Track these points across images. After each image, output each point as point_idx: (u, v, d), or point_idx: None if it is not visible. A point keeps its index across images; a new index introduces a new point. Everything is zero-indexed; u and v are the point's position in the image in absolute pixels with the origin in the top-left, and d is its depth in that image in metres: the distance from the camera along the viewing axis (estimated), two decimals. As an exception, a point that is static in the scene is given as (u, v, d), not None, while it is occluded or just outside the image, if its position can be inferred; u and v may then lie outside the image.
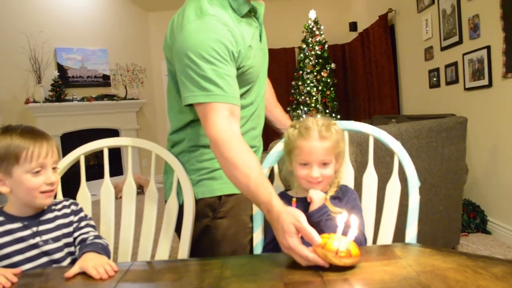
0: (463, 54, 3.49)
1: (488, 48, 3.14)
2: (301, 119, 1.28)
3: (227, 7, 1.23)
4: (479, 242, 3.07)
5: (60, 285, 0.96)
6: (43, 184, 1.12)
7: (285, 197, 1.27)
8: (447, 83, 3.85)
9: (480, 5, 3.23)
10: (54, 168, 1.16)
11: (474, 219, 3.30)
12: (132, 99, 6.68)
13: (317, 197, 1.15)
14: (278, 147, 1.38)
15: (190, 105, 1.20)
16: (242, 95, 1.27)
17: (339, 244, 0.88)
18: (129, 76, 6.83)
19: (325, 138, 1.19)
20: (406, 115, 4.52)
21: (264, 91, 1.45)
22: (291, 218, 0.97)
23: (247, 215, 1.35)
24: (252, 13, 1.32)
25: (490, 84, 3.16)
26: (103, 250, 1.11)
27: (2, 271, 0.99)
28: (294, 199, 1.24)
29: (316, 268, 0.90)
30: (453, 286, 0.76)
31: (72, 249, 1.18)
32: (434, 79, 4.11)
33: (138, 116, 6.87)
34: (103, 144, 1.40)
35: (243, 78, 1.26)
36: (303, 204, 1.20)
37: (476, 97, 3.39)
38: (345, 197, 1.24)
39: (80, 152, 1.40)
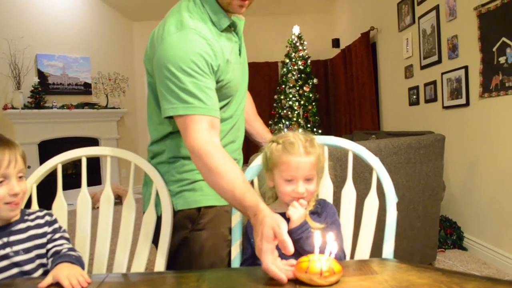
0: (442, 73, 3.57)
1: (466, 68, 3.22)
2: (281, 133, 1.28)
3: (207, 21, 1.25)
4: (456, 258, 3.11)
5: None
6: (6, 195, 1.08)
7: None
8: (426, 101, 3.93)
9: (458, 26, 3.32)
10: (21, 177, 1.12)
11: (451, 235, 3.35)
12: (113, 108, 6.63)
13: (296, 215, 1.13)
14: (258, 160, 1.38)
15: (170, 117, 1.20)
16: (221, 109, 1.28)
17: (320, 265, 0.88)
18: (111, 85, 6.79)
19: (310, 154, 1.18)
20: (386, 131, 4.58)
21: (243, 105, 1.46)
22: (273, 222, 0.97)
23: (226, 227, 1.34)
24: (232, 28, 1.33)
25: (467, 103, 3.24)
26: (77, 261, 1.09)
27: None
28: None
29: (294, 282, 0.89)
30: (428, 302, 0.76)
31: (44, 260, 1.15)
32: (414, 96, 4.19)
33: (119, 126, 6.81)
34: (82, 153, 1.38)
35: (222, 92, 1.27)
36: (284, 218, 1.20)
37: (454, 116, 3.47)
38: (324, 212, 1.24)
39: (57, 161, 1.38)
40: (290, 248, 0.93)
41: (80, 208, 1.35)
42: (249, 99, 1.67)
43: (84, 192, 1.36)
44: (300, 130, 1.28)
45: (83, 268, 1.08)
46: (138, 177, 1.32)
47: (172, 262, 1.30)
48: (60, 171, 1.37)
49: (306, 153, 1.18)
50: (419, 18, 3.96)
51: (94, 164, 6.18)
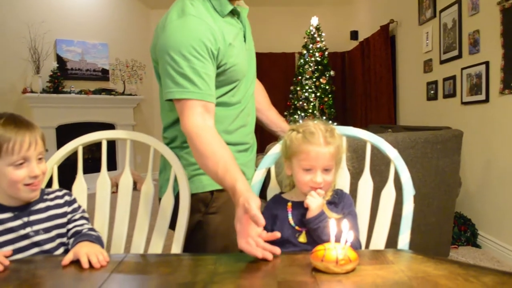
0: (462, 69, 3.52)
1: (486, 63, 3.17)
2: (299, 122, 1.28)
3: (209, 8, 1.29)
4: (469, 255, 3.09)
5: (51, 273, 0.96)
6: (27, 177, 1.09)
7: (280, 200, 1.27)
8: (445, 96, 3.88)
9: (481, 21, 3.27)
10: (40, 159, 1.13)
11: (465, 232, 3.32)
12: (130, 94, 6.67)
13: (314, 205, 1.14)
14: (275, 149, 1.39)
15: (171, 101, 1.26)
16: (228, 92, 1.34)
17: (336, 253, 0.88)
18: (128, 71, 6.83)
19: (329, 144, 1.18)
20: (402, 125, 4.55)
21: (252, 91, 1.48)
22: (244, 200, 1.02)
23: (234, 208, 1.36)
24: (235, 15, 1.37)
25: (487, 99, 3.19)
26: (97, 240, 1.11)
27: None
28: (289, 204, 1.24)
29: (309, 269, 0.90)
30: (444, 293, 0.77)
31: (64, 240, 1.18)
32: (432, 91, 4.15)
33: (135, 112, 6.86)
34: (102, 136, 1.41)
35: (227, 76, 1.31)
36: (299, 208, 1.20)
37: (473, 112, 3.42)
38: (341, 202, 1.23)
39: (78, 143, 1.40)
40: (261, 221, 0.99)
41: (99, 190, 1.37)
42: (262, 89, 1.70)
43: (104, 174, 1.38)
44: (316, 120, 1.26)
45: (102, 247, 1.11)
46: (154, 164, 1.34)
47: (186, 245, 1.32)
48: (81, 153, 1.40)
49: (326, 143, 1.17)
50: (441, 11, 3.90)
51: (110, 149, 6.25)
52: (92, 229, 1.19)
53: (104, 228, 1.34)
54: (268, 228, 1.23)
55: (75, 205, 1.24)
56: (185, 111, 1.21)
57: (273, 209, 1.25)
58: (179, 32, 1.21)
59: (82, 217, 1.22)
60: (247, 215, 1.01)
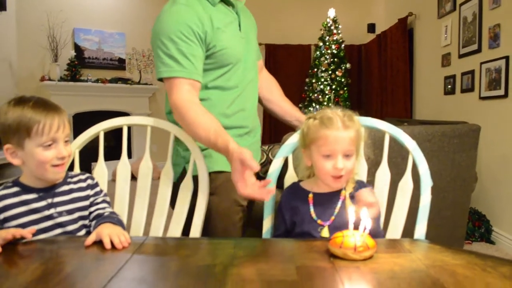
0: (481, 63, 3.48)
1: (506, 58, 3.13)
2: (316, 111, 1.28)
3: None
4: (483, 251, 3.07)
5: (74, 253, 0.98)
6: (54, 158, 1.13)
7: (299, 189, 1.25)
8: (462, 91, 3.84)
9: (502, 14, 3.22)
10: (66, 141, 1.17)
11: (479, 228, 3.30)
12: (146, 84, 6.72)
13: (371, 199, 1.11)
14: (293, 139, 1.40)
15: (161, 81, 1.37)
16: (223, 76, 1.43)
17: (355, 240, 0.89)
18: (145, 61, 6.86)
19: (348, 127, 1.15)
20: (418, 119, 4.51)
21: (252, 77, 1.53)
22: (239, 154, 1.12)
23: (235, 192, 1.39)
24: (229, 5, 1.47)
25: (506, 95, 3.15)
26: (119, 222, 1.14)
27: (16, 230, 1.02)
28: (310, 195, 1.21)
29: (327, 255, 0.92)
30: (462, 281, 0.77)
31: (86, 222, 1.21)
32: (449, 86, 4.10)
33: (150, 102, 6.90)
34: (124, 122, 1.43)
35: (218, 58, 1.39)
36: (321, 200, 1.19)
37: (491, 107, 3.38)
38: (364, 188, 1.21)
39: (100, 128, 1.43)
40: (256, 166, 1.08)
41: (120, 176, 1.40)
42: (274, 81, 1.77)
43: (125, 159, 1.41)
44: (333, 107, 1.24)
45: (124, 229, 1.14)
46: (164, 153, 1.36)
47: (187, 226, 1.35)
48: (102, 138, 1.42)
49: (344, 127, 1.15)
50: (461, 5, 3.84)
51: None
52: (113, 213, 1.22)
53: (123, 214, 1.37)
54: (287, 218, 1.23)
55: (97, 189, 1.27)
56: (173, 88, 1.32)
57: (292, 199, 1.24)
58: (168, 19, 1.34)
59: (104, 201, 1.25)
60: (244, 166, 1.10)
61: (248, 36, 1.53)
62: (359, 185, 1.24)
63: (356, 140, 1.17)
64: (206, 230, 1.35)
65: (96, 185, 1.28)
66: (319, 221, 1.17)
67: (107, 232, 1.02)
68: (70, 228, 1.17)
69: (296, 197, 1.24)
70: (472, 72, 3.65)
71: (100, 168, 1.41)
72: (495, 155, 3.34)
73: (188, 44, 1.31)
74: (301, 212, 1.20)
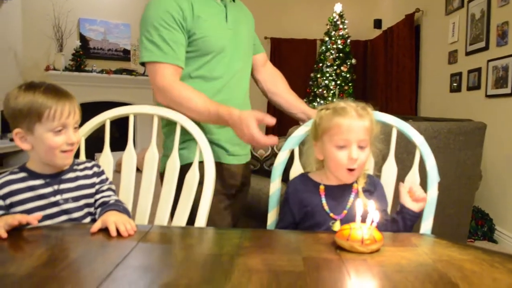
0: (488, 61, 3.45)
1: (514, 56, 3.11)
2: (321, 105, 1.27)
3: None
4: (485, 250, 3.07)
5: (79, 240, 0.98)
6: (64, 143, 1.13)
7: (309, 180, 1.22)
8: (468, 89, 3.82)
9: (510, 12, 3.19)
10: (75, 128, 1.17)
11: (482, 226, 3.29)
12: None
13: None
14: (299, 131, 1.39)
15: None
16: (206, 65, 1.45)
17: (362, 232, 0.89)
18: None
19: (363, 117, 1.12)
20: (423, 116, 4.49)
21: (239, 68, 1.54)
22: (251, 113, 1.23)
23: (220, 181, 1.45)
24: None
25: (512, 93, 3.13)
26: (125, 211, 1.14)
27: (22, 216, 1.02)
28: (322, 187, 1.18)
29: (334, 247, 0.91)
30: (469, 276, 0.77)
31: (91, 209, 1.21)
32: (455, 83, 4.08)
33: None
34: (130, 110, 1.43)
35: (199, 46, 1.43)
36: (333, 193, 1.16)
37: (497, 105, 3.37)
38: (376, 190, 1.20)
39: (106, 117, 1.43)
40: (271, 121, 1.22)
41: (125, 164, 1.40)
42: (278, 74, 1.79)
43: (130, 148, 1.41)
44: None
45: (129, 217, 1.13)
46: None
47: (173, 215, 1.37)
48: (108, 126, 1.42)
49: (358, 115, 1.12)
50: (469, 1, 3.81)
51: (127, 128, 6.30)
52: (118, 201, 1.22)
53: (129, 203, 1.36)
54: (295, 211, 1.21)
55: (103, 177, 1.27)
56: (155, 72, 1.38)
57: (301, 190, 1.21)
58: (152, 7, 1.41)
59: (109, 189, 1.25)
60: (257, 119, 1.23)
61: (238, 28, 1.55)
62: (371, 179, 1.22)
63: (370, 130, 1.14)
64: (192, 219, 1.33)
65: (102, 173, 1.28)
66: (331, 215, 1.14)
67: (112, 219, 1.02)
68: (75, 215, 1.17)
69: (305, 188, 1.21)
70: (479, 70, 3.62)
71: (106, 157, 1.41)
72: (500, 154, 3.32)
73: (169, 30, 1.37)
74: (312, 204, 1.17)
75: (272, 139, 1.23)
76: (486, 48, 3.52)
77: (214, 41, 1.45)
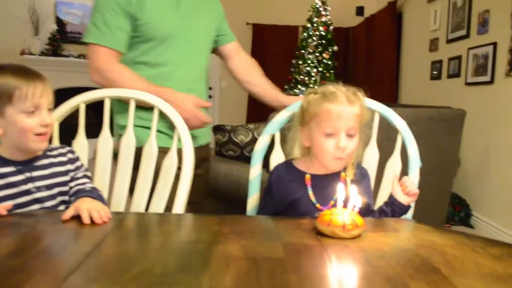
0: (469, 48, 3.47)
1: (494, 44, 3.13)
2: (303, 93, 1.22)
3: None
4: (462, 235, 3.12)
5: (51, 228, 0.94)
6: (38, 125, 1.07)
7: (293, 169, 1.16)
8: (449, 76, 3.84)
9: (491, 0, 3.20)
10: (49, 109, 1.12)
11: (459, 212, 3.35)
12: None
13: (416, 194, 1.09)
14: (281, 115, 1.36)
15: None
16: (151, 51, 1.46)
17: (343, 218, 0.87)
18: (128, 38, 6.71)
19: (353, 103, 1.06)
20: (403, 104, 4.51)
21: (190, 57, 1.53)
22: (190, 96, 1.41)
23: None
24: None
25: (492, 81, 3.16)
26: (99, 198, 1.10)
27: None
28: (308, 176, 1.13)
29: (315, 233, 0.89)
30: (452, 261, 0.76)
31: (66, 198, 1.16)
32: (436, 71, 4.10)
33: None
34: (105, 93, 1.37)
35: (143, 32, 1.43)
36: (319, 182, 1.11)
37: (476, 93, 3.40)
38: (363, 180, 1.16)
39: (80, 100, 1.37)
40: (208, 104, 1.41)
41: (101, 149, 1.35)
42: (252, 63, 1.75)
43: (106, 133, 1.36)
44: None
45: (104, 204, 1.09)
46: None
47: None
48: (83, 110, 1.37)
49: (349, 101, 1.05)
50: (451, -11, 3.83)
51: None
52: (94, 188, 1.17)
53: (104, 189, 1.32)
54: (277, 199, 1.15)
55: (78, 163, 1.22)
56: (93, 54, 1.42)
57: (285, 179, 1.15)
58: None
59: (84, 176, 1.20)
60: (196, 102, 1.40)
61: (193, 17, 1.53)
62: (360, 170, 1.17)
63: (361, 117, 1.08)
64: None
65: (77, 159, 1.23)
66: (318, 205, 1.10)
67: (86, 206, 0.98)
68: (48, 204, 1.12)
69: (290, 177, 1.15)
70: (459, 58, 3.65)
71: (80, 143, 1.36)
72: (477, 141, 3.36)
73: (111, 14, 1.39)
74: (297, 193, 1.12)
75: (208, 117, 1.39)
76: (467, 36, 3.53)
77: (158, 27, 1.44)
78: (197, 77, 1.58)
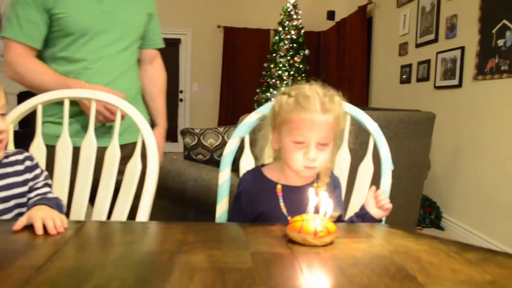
0: (437, 53, 3.52)
1: (462, 48, 3.18)
2: (271, 101, 1.13)
3: None
4: (432, 237, 3.14)
5: (2, 238, 0.87)
6: None
7: (263, 178, 1.09)
8: (418, 80, 3.89)
9: (459, 5, 3.26)
10: (2, 115, 1.04)
11: (430, 214, 3.38)
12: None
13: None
14: (250, 117, 1.32)
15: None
16: (70, 47, 1.42)
17: (315, 224, 0.82)
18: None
19: (328, 111, 0.97)
20: (373, 107, 4.55)
21: (110, 52, 1.47)
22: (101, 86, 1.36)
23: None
24: None
25: (460, 85, 3.21)
26: (57, 206, 1.02)
27: None
28: (279, 187, 1.05)
29: (285, 240, 0.85)
30: (427, 268, 0.73)
31: (24, 210, 1.07)
32: (405, 75, 4.15)
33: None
34: (65, 94, 1.29)
35: (61, 26, 1.39)
36: (290, 194, 1.04)
37: (445, 96, 3.45)
38: (336, 190, 1.10)
39: (38, 101, 1.29)
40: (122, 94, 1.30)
41: (59, 152, 1.27)
42: (159, 79, 1.72)
43: (65, 136, 1.28)
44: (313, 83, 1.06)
45: (62, 213, 1.02)
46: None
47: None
48: (40, 112, 1.28)
49: (323, 110, 0.96)
50: (419, -6, 3.88)
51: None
52: (57, 198, 1.09)
53: (64, 195, 1.24)
54: (247, 212, 1.08)
55: (37, 171, 1.13)
56: (6, 47, 1.40)
57: (255, 189, 1.08)
58: None
59: (45, 184, 1.12)
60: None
61: (118, 12, 1.48)
62: (333, 180, 1.11)
63: (335, 126, 1.00)
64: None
65: (36, 166, 1.14)
66: (290, 218, 0.96)
67: (40, 215, 0.90)
68: (4, 217, 1.04)
69: (259, 186, 1.08)
70: (428, 62, 3.70)
71: (38, 146, 1.27)
72: (446, 144, 3.41)
73: (24, 9, 1.36)
74: (267, 206, 1.05)
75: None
76: (435, 40, 3.59)
77: (77, 21, 1.40)
78: (121, 73, 1.51)
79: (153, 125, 1.63)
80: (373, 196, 1.07)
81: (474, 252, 0.82)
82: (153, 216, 1.23)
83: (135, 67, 1.60)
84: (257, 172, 1.12)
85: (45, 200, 1.02)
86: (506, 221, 2.73)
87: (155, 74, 1.71)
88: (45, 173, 1.16)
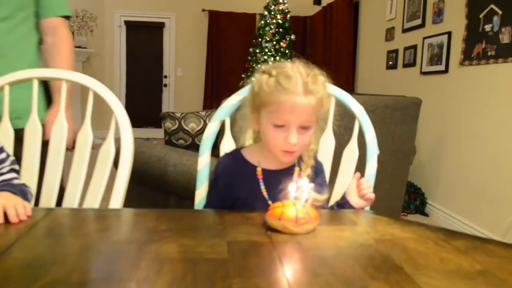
0: (424, 38, 3.48)
1: (449, 34, 3.14)
2: (275, 64, 1.00)
3: None
4: (417, 223, 3.14)
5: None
6: None
7: (242, 161, 1.03)
8: (404, 66, 3.86)
9: (446, -11, 3.21)
10: None
11: (414, 200, 3.37)
12: (79, 47, 6.25)
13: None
14: (231, 100, 1.25)
15: None
16: None
17: (296, 210, 0.77)
18: (78, 22, 6.38)
19: (310, 93, 0.91)
20: (359, 93, 4.51)
21: None
22: None
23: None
24: None
25: (446, 70, 3.18)
26: (21, 193, 0.95)
27: None
28: (259, 169, 1.00)
29: (264, 228, 0.80)
30: (415, 257, 0.68)
31: None
32: (392, 60, 4.11)
33: (84, 67, 6.45)
34: (33, 74, 1.21)
35: None
36: (270, 177, 0.98)
37: (431, 82, 3.42)
38: (319, 174, 1.06)
39: (4, 81, 1.21)
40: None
41: (28, 135, 1.19)
42: (61, 49, 1.48)
43: (34, 117, 1.20)
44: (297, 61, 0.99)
45: (27, 200, 0.95)
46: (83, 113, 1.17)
47: None
48: (8, 93, 1.20)
49: (305, 92, 0.91)
50: (407, -22, 3.82)
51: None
52: (23, 184, 1.02)
53: (33, 177, 1.16)
54: (224, 197, 1.03)
55: (3, 155, 1.05)
56: None
57: (233, 173, 1.03)
58: None
59: (12, 170, 1.04)
60: None
61: None
62: (316, 165, 1.06)
63: (318, 108, 0.94)
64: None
65: (1, 150, 1.07)
66: (270, 203, 0.93)
67: (1, 202, 0.84)
68: None
69: (239, 169, 1.03)
70: (414, 47, 3.66)
71: (5, 129, 1.20)
72: (432, 130, 3.39)
73: None
74: (246, 190, 1.00)
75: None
76: (422, 25, 3.54)
77: None
78: (14, 42, 1.36)
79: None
80: (355, 184, 1.03)
81: (462, 239, 0.78)
82: (132, 203, 1.17)
83: (26, 43, 1.42)
84: (236, 154, 1.06)
85: (7, 187, 0.95)
86: (489, 207, 2.73)
87: (56, 44, 1.47)
88: (12, 157, 1.09)
